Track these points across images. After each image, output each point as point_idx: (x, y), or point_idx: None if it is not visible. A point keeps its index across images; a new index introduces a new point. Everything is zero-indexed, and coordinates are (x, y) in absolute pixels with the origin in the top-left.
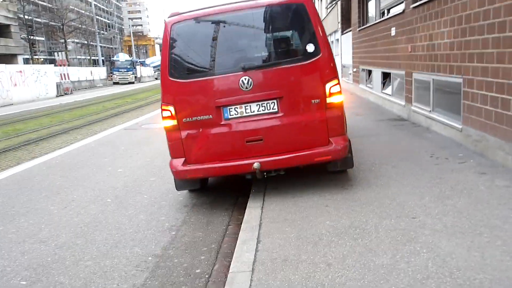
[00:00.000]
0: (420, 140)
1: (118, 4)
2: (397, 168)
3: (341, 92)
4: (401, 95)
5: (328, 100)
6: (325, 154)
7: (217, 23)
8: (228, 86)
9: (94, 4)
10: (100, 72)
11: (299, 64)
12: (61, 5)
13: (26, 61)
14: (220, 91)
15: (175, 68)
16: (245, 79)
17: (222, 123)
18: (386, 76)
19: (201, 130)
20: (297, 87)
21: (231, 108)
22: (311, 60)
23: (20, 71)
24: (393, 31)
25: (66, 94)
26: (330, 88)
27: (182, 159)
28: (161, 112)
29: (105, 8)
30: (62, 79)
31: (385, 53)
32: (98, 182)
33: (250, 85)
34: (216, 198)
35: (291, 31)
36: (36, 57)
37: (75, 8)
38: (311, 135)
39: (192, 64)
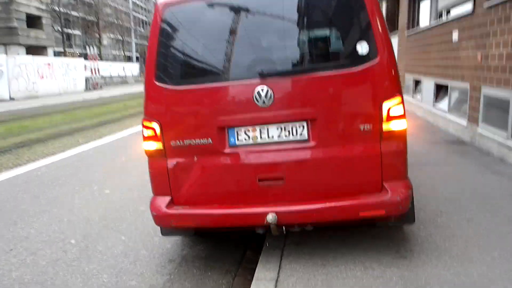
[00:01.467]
0: (497, 176)
1: (155, 2)
2: (475, 223)
3: (404, 116)
4: (462, 113)
5: (385, 126)
6: (376, 206)
7: (227, 8)
8: (238, 99)
9: (132, 1)
10: (133, 68)
11: (344, 71)
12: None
13: (58, 54)
14: (225, 105)
15: (165, 69)
16: (263, 89)
17: (226, 151)
18: (439, 88)
19: (195, 159)
20: (339, 105)
21: (240, 131)
22: (362, 67)
23: (48, 64)
24: (455, 36)
25: (94, 89)
26: (389, 110)
27: (168, 198)
28: (142, 130)
29: (143, 5)
30: (92, 74)
31: (441, 61)
32: (72, 209)
33: (270, 98)
34: (215, 250)
35: (334, 23)
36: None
37: (112, 3)
38: (356, 177)
39: (188, 65)
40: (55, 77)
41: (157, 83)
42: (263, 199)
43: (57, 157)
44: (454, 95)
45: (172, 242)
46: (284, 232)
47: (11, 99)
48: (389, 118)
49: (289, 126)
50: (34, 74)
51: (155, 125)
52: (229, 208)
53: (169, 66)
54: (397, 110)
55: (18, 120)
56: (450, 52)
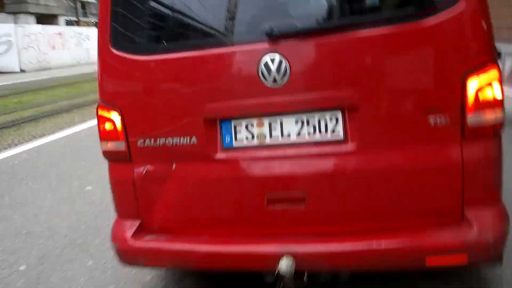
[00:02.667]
0: None
1: None
2: None
3: (502, 102)
4: None
5: (472, 118)
6: (452, 249)
7: None
8: (235, 75)
9: None
10: None
11: (404, 27)
12: None
13: (72, 24)
14: (216, 85)
15: (126, 28)
16: (274, 59)
17: (218, 156)
18: None
19: (174, 167)
20: (394, 83)
21: (240, 125)
22: (434, 19)
23: (60, 34)
24: None
25: None
26: (478, 91)
27: (135, 223)
28: (97, 121)
29: None
30: None
31: None
32: (38, 215)
33: (284, 74)
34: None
35: None
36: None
37: None
38: (420, 200)
39: (160, 22)
40: (67, 47)
41: (114, 51)
42: (274, 231)
43: (44, 140)
44: None
45: (154, 273)
46: (306, 281)
47: (22, 71)
48: (478, 105)
49: (314, 117)
50: (45, 44)
51: (114, 115)
52: (222, 243)
53: (132, 24)
54: (490, 92)
55: (18, 94)
56: None
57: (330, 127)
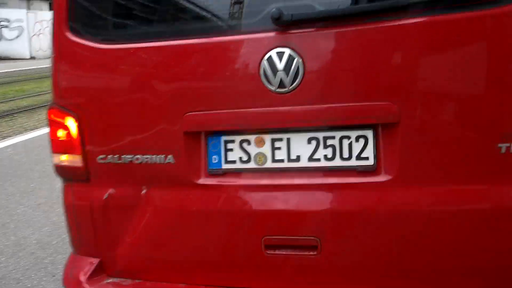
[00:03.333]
0: None
1: None
2: None
3: None
4: None
5: None
6: None
7: None
8: (228, 74)
9: None
10: None
11: (466, 13)
12: None
13: None
14: (202, 87)
15: (86, 11)
16: (281, 53)
17: (201, 181)
18: None
19: (144, 192)
20: (452, 91)
21: (232, 142)
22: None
23: None
24: None
25: None
26: None
27: (94, 262)
28: (49, 128)
29: None
30: None
31: None
32: (6, 225)
33: (295, 74)
34: None
35: None
36: None
37: None
38: (484, 256)
39: (133, 3)
40: None
41: (73, 37)
42: (274, 286)
43: (35, 134)
44: None
45: None
46: None
47: (32, 57)
48: None
49: (334, 136)
50: None
51: (69, 121)
52: None
53: (94, 5)
54: None
55: (21, 81)
56: None
57: (356, 150)
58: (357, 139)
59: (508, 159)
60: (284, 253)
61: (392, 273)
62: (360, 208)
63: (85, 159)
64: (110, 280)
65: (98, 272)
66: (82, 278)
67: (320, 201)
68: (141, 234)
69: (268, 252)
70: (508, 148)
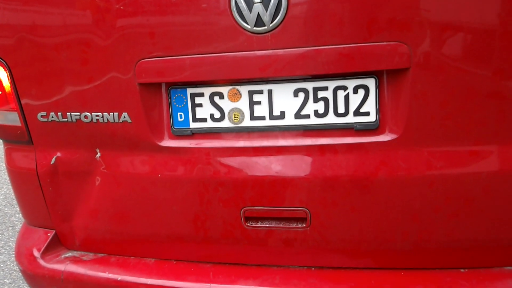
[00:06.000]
0: None
1: None
2: None
3: None
4: None
5: None
6: None
7: None
8: (192, 8)
9: None
10: None
11: None
12: None
13: None
14: (160, 26)
15: None
16: None
17: (163, 144)
18: None
19: (98, 156)
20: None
21: (200, 95)
22: None
23: None
24: None
25: None
26: None
27: (49, 233)
28: None
29: None
30: None
31: None
32: None
33: (275, 9)
34: None
35: None
36: None
37: None
38: (498, 224)
39: None
40: None
41: None
42: (257, 263)
43: None
44: None
45: None
46: None
47: None
48: None
49: (327, 87)
50: None
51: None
52: (174, 276)
53: None
54: None
55: None
56: None
57: (354, 103)
58: (355, 90)
59: None
60: (267, 226)
61: (393, 247)
62: (358, 174)
63: (23, 116)
64: (69, 254)
65: (54, 246)
66: (36, 252)
67: (310, 166)
68: (101, 204)
69: (249, 224)
70: None
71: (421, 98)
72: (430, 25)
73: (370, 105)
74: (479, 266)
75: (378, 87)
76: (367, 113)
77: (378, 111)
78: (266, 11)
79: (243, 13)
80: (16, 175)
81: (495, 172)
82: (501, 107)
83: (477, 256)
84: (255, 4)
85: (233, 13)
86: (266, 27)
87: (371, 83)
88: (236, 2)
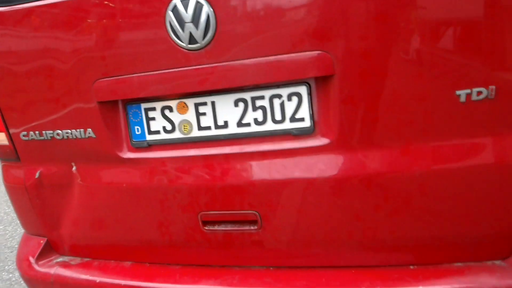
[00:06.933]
0: None
1: None
2: None
3: None
4: None
5: None
6: None
7: None
8: (136, 30)
9: None
10: None
11: None
12: None
13: None
14: (109, 48)
15: None
16: (186, 2)
17: (124, 156)
18: None
19: (74, 169)
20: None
21: (153, 109)
22: None
23: None
24: None
25: None
26: None
27: (42, 241)
28: None
29: None
30: None
31: None
32: None
33: (206, 26)
34: None
35: None
36: None
37: None
38: (438, 223)
39: None
40: None
41: None
42: (218, 263)
43: None
44: None
45: None
46: None
47: None
48: None
49: (264, 96)
50: None
51: None
52: (144, 277)
53: None
54: None
55: None
56: None
57: (289, 110)
58: (289, 97)
59: (470, 109)
60: (224, 229)
61: (340, 246)
62: (298, 177)
63: (9, 136)
64: (60, 259)
65: (47, 252)
66: (31, 258)
67: (255, 171)
68: (80, 213)
69: (207, 228)
70: (468, 96)
71: (349, 103)
72: (349, 34)
73: (304, 111)
74: (429, 263)
75: (310, 94)
76: (302, 119)
77: (312, 116)
78: (197, 30)
79: (177, 32)
80: (11, 189)
81: (428, 170)
82: (425, 107)
83: (426, 253)
84: (186, 24)
85: (169, 34)
86: (199, 44)
87: (303, 90)
88: (170, 23)
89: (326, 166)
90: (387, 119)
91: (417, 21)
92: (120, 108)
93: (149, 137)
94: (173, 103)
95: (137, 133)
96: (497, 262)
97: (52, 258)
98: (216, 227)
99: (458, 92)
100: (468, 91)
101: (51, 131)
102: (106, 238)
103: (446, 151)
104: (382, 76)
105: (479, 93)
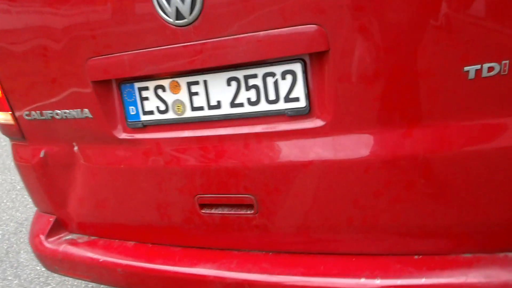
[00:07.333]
0: None
1: None
2: None
3: None
4: None
5: None
6: None
7: None
8: (123, 8)
9: None
10: None
11: None
12: None
13: None
14: (99, 27)
15: None
16: None
17: (120, 136)
18: None
19: (76, 149)
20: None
21: (146, 89)
22: None
23: None
24: None
25: None
26: None
27: (51, 219)
28: None
29: None
30: None
31: None
32: None
33: (192, 1)
34: None
35: None
36: None
37: None
38: (446, 212)
39: None
40: None
41: None
42: (215, 245)
43: None
44: None
45: None
46: None
47: None
48: None
49: (257, 74)
50: None
51: None
52: (143, 258)
53: None
54: None
55: None
56: None
57: (283, 89)
58: (283, 76)
59: (479, 86)
60: (221, 212)
61: (340, 232)
62: (294, 160)
63: (14, 116)
64: (69, 237)
65: (57, 229)
66: (42, 235)
67: (249, 154)
68: (84, 192)
69: (204, 211)
70: (478, 71)
71: (345, 81)
72: (343, 5)
73: (299, 91)
74: (435, 253)
75: (306, 72)
76: (297, 99)
77: (308, 96)
78: (183, 4)
79: (164, 7)
80: (20, 167)
81: (433, 154)
82: (429, 85)
83: (432, 242)
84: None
85: (156, 9)
86: (186, 20)
87: (297, 68)
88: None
89: (322, 148)
90: (385, 99)
91: None
92: (114, 88)
93: (144, 118)
94: (165, 82)
95: (132, 113)
96: (510, 254)
97: (61, 235)
98: (213, 211)
99: (466, 68)
100: (478, 66)
101: (51, 111)
102: (109, 217)
103: (454, 133)
104: (379, 52)
105: (491, 68)
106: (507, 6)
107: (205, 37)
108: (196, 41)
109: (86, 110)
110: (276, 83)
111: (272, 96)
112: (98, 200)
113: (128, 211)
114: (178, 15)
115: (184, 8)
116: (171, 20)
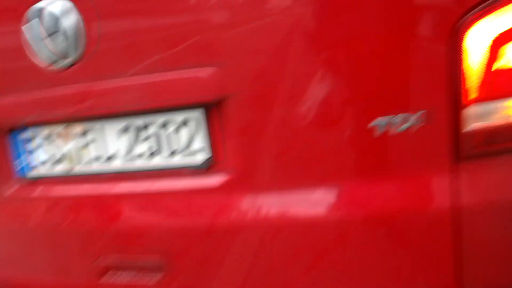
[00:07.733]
0: None
1: None
2: None
3: None
4: None
5: (473, 110)
6: None
7: None
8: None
9: None
10: None
11: None
12: None
13: None
14: None
15: None
16: (41, 9)
17: (11, 191)
18: None
19: None
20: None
21: (36, 137)
22: None
23: None
24: None
25: None
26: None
27: None
28: None
29: None
30: None
31: None
32: None
33: (67, 38)
34: None
35: None
36: None
37: None
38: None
39: None
40: None
41: None
42: None
43: None
44: None
45: None
46: None
47: None
48: (491, 83)
49: (154, 122)
50: None
51: None
52: None
53: None
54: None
55: None
56: None
57: (183, 140)
58: (183, 124)
59: (385, 143)
60: (127, 275)
61: None
62: (196, 221)
63: None
64: None
65: None
66: None
67: (149, 213)
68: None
69: (108, 275)
70: (387, 128)
71: (249, 133)
72: (244, 47)
73: (201, 142)
74: None
75: (207, 120)
76: (198, 151)
77: (211, 148)
78: (55, 45)
79: (36, 51)
80: None
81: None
82: (335, 141)
83: None
84: (40, 39)
85: (28, 53)
86: (62, 63)
87: (198, 116)
88: (28, 41)
89: (225, 208)
90: (291, 156)
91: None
92: (3, 137)
93: (36, 169)
94: (54, 131)
95: (20, 166)
96: None
97: None
98: (118, 274)
99: (372, 124)
100: (384, 121)
101: None
102: (21, 273)
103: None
104: (283, 100)
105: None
106: None
107: (88, 81)
108: (78, 84)
109: None
110: (175, 133)
111: (171, 148)
112: (3, 256)
113: (32, 270)
114: (52, 58)
115: (58, 51)
116: (47, 62)
